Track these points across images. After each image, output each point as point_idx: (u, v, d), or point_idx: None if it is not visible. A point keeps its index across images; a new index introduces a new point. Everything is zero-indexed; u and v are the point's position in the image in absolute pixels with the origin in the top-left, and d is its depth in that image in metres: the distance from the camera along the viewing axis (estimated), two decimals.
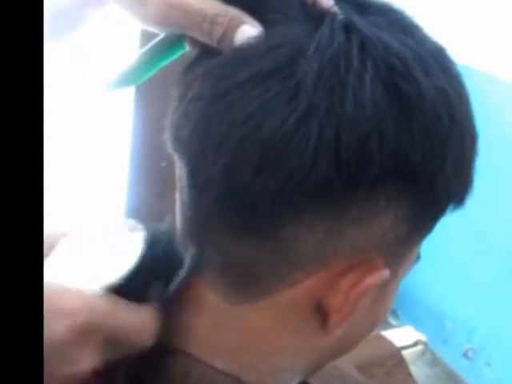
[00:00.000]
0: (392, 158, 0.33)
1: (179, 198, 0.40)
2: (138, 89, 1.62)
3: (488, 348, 1.99)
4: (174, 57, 0.43)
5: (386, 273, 0.37)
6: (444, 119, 0.35)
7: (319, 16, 0.35)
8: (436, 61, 0.36)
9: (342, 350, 0.44)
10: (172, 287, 0.39)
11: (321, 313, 0.39)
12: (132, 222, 0.41)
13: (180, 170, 0.39)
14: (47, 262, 0.40)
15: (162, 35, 0.43)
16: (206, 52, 0.38)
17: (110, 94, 0.48)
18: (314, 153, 0.32)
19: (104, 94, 0.43)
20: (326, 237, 0.35)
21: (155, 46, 0.43)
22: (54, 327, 0.34)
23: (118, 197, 1.79)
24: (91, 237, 0.41)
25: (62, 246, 0.41)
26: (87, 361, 0.36)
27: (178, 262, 0.39)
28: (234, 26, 0.36)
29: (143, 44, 0.45)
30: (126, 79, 0.45)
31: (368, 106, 0.32)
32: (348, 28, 0.34)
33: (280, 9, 0.36)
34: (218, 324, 0.41)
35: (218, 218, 0.36)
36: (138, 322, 0.38)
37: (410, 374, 0.67)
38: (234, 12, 0.37)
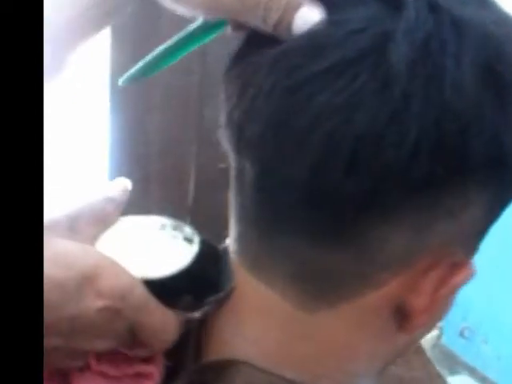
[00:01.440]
0: (488, 145, 0.31)
1: (238, 202, 0.37)
2: (114, 87, 1.61)
3: (484, 326, 2.00)
4: (209, 39, 0.41)
5: (473, 268, 0.36)
6: None
7: None
8: None
9: (412, 344, 0.43)
10: (216, 299, 0.39)
11: (401, 314, 0.37)
12: (188, 230, 0.41)
13: (240, 172, 0.36)
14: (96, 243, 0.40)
15: (198, 22, 0.40)
16: (255, 40, 0.35)
17: (127, 85, 0.46)
18: (413, 145, 0.30)
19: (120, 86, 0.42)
20: (417, 234, 0.34)
21: (190, 30, 0.41)
22: (88, 304, 0.34)
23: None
24: (143, 232, 0.41)
25: (112, 232, 0.41)
26: (106, 342, 0.36)
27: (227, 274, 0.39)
28: (292, 9, 0.33)
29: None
30: (150, 68, 0.43)
31: (468, 92, 0.30)
32: (434, 8, 0.32)
33: None
34: (290, 333, 0.39)
35: (296, 221, 0.34)
36: (163, 324, 0.37)
37: (429, 361, 0.65)
38: None
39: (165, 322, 0.38)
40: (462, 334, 2.15)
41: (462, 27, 0.31)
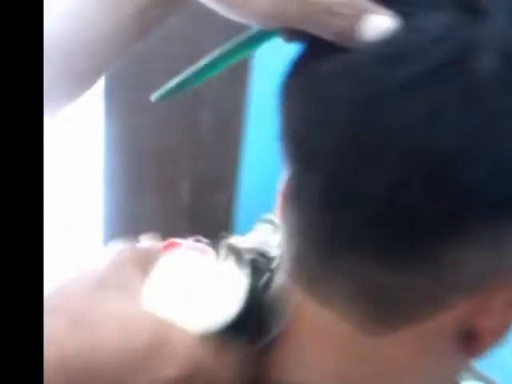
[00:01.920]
0: None
1: (295, 220, 0.35)
2: (109, 93, 1.63)
3: None
4: (256, 49, 0.39)
5: None
6: None
7: (477, 2, 0.30)
8: None
9: (468, 364, 0.41)
10: (280, 324, 0.37)
11: (467, 336, 0.35)
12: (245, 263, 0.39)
13: (300, 188, 0.34)
14: (145, 286, 0.38)
15: (249, 32, 0.38)
16: (314, 50, 0.33)
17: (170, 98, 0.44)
18: (501, 162, 0.28)
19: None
20: (493, 255, 0.32)
21: (239, 40, 0.39)
22: (163, 372, 0.34)
23: (94, 199, 1.79)
24: (191, 267, 0.39)
25: (161, 268, 0.39)
26: None
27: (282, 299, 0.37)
28: (358, 16, 0.31)
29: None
30: (188, 82, 0.41)
31: None
32: None
33: None
34: (349, 357, 0.37)
35: (365, 240, 0.32)
36: (233, 375, 0.37)
37: None
38: (356, 0, 0.31)
39: (235, 371, 0.37)
40: None
41: None
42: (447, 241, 0.31)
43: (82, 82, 0.42)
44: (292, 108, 0.34)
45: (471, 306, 0.34)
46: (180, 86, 0.40)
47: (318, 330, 0.37)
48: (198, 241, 0.47)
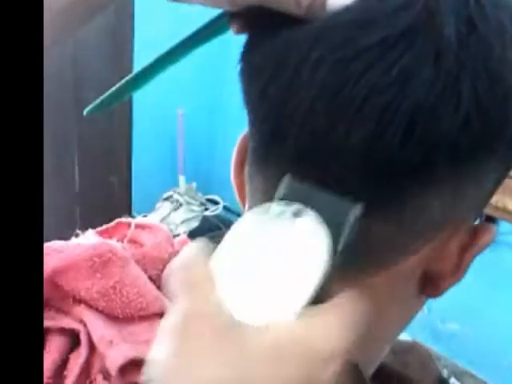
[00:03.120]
0: None
1: (269, 182, 0.36)
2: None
3: None
4: (212, 39, 0.40)
5: (495, 229, 0.38)
6: None
7: None
8: None
9: (422, 308, 0.44)
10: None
11: (427, 279, 0.38)
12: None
13: (276, 151, 0.35)
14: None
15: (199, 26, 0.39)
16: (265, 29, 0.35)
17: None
18: (466, 113, 0.31)
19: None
20: (453, 201, 0.35)
21: (192, 35, 0.40)
22: (321, 375, 0.31)
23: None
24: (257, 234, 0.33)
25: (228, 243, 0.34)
26: None
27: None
28: None
29: None
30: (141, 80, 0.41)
31: (510, 65, 0.32)
32: None
33: None
34: None
35: (346, 191, 0.33)
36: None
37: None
38: None
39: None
40: None
41: (500, 4, 0.33)
42: (418, 188, 0.33)
43: None
44: (258, 74, 0.35)
45: (431, 251, 0.37)
46: (113, 98, 0.41)
47: None
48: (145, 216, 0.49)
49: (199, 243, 0.33)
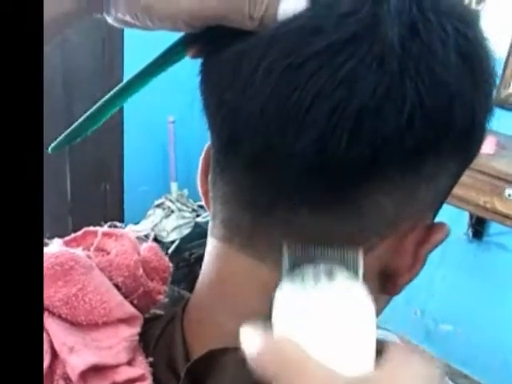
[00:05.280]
0: (466, 117, 0.35)
1: (227, 187, 0.38)
2: None
3: None
4: (169, 67, 0.41)
5: (448, 227, 0.40)
6: (494, 76, 0.37)
7: None
8: (479, 18, 0.37)
9: (386, 306, 0.45)
10: None
11: (386, 275, 0.40)
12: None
13: (231, 156, 0.37)
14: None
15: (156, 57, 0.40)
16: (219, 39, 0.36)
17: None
18: (410, 114, 0.32)
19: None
20: (405, 199, 0.36)
21: (152, 63, 0.41)
22: None
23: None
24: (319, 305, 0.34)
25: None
26: None
27: None
28: (276, 1, 0.34)
29: None
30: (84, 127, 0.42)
31: (453, 69, 0.33)
32: None
33: None
34: None
35: (298, 193, 0.35)
36: None
37: None
38: None
39: None
40: None
41: (442, 11, 0.34)
42: (367, 187, 0.35)
43: None
44: (217, 82, 0.37)
45: (388, 247, 0.38)
46: (76, 132, 0.43)
47: (251, 285, 0.39)
48: (114, 226, 0.48)
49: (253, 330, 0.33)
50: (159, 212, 2.05)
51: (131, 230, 2.21)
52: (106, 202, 2.10)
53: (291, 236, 0.36)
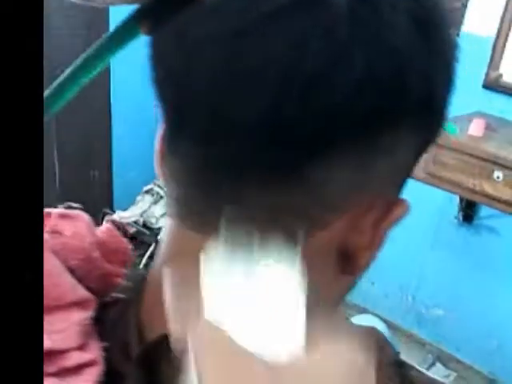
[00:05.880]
0: (420, 85, 0.33)
1: (177, 165, 0.37)
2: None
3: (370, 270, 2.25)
4: (125, 45, 0.39)
5: (408, 204, 0.38)
6: (453, 44, 0.36)
7: None
8: None
9: (353, 286, 0.43)
10: None
11: (345, 254, 0.38)
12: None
13: (180, 132, 0.35)
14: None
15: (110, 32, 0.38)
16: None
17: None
18: (358, 81, 0.31)
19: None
20: (359, 174, 0.35)
21: (103, 42, 0.39)
22: None
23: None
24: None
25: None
26: None
27: None
28: None
29: None
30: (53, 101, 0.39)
31: (402, 34, 0.32)
32: None
33: None
34: None
35: (248, 165, 0.33)
36: None
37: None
38: None
39: None
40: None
41: None
42: (318, 159, 0.33)
43: None
44: (164, 55, 0.35)
45: (345, 224, 0.36)
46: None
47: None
48: (70, 207, 0.47)
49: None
50: (148, 198, 2.04)
51: (119, 217, 2.20)
52: (94, 188, 2.09)
53: (240, 213, 0.35)
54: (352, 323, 0.66)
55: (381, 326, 1.63)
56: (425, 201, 1.96)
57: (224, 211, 0.35)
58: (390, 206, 0.38)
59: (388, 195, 0.38)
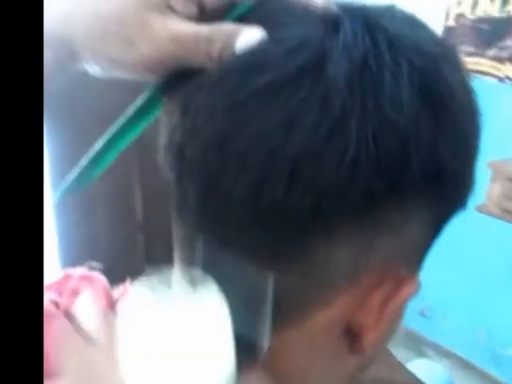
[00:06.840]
0: (426, 161, 0.32)
1: (181, 231, 0.37)
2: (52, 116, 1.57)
3: (443, 303, 2.24)
4: (153, 116, 0.39)
5: (418, 283, 0.36)
6: (469, 117, 0.34)
7: (333, 16, 0.33)
8: (454, 55, 0.35)
9: (367, 366, 0.41)
10: None
11: (351, 333, 0.36)
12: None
13: (182, 198, 0.35)
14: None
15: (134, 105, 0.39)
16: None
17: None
18: (353, 161, 0.30)
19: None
20: (360, 251, 0.33)
21: (124, 121, 0.39)
22: None
23: (47, 223, 1.76)
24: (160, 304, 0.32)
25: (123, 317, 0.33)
26: None
27: None
28: (232, 36, 0.33)
29: None
30: (88, 174, 0.40)
31: (405, 107, 0.30)
32: (370, 27, 0.32)
33: (281, 14, 0.34)
34: None
35: (241, 242, 0.33)
36: None
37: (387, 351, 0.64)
38: (227, 25, 0.34)
39: None
40: (422, 314, 2.33)
41: (398, 46, 0.32)
42: (312, 238, 0.32)
43: None
44: (171, 117, 0.35)
45: (349, 303, 0.35)
46: (79, 180, 0.40)
47: None
48: (92, 268, 0.47)
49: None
50: None
51: None
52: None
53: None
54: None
55: (438, 372, 1.60)
56: (501, 235, 1.93)
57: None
58: (398, 284, 0.36)
59: (399, 272, 0.36)
